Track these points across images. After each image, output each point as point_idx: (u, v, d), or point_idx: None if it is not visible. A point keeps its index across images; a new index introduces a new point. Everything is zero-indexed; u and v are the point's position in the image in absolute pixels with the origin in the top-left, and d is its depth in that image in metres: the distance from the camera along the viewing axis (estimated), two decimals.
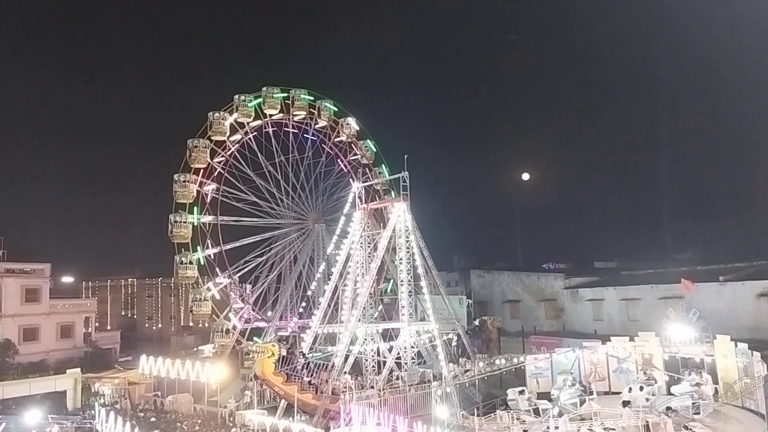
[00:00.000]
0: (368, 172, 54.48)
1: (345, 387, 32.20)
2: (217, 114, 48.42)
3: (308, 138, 54.11)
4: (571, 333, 47.65)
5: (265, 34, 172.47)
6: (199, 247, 46.37)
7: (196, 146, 47.15)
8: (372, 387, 33.17)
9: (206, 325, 52.27)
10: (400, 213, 38.46)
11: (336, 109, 54.24)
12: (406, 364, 37.06)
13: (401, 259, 37.96)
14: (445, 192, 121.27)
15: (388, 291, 49.66)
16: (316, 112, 53.43)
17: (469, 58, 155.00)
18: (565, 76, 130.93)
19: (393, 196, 50.23)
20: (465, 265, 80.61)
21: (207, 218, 47.08)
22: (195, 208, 46.62)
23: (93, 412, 37.50)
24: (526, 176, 69.86)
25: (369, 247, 40.83)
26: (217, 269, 47.41)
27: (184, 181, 46.29)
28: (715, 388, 30.82)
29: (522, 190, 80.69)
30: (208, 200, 47.58)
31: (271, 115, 51.34)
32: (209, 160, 47.73)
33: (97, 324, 66.84)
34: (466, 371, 36.51)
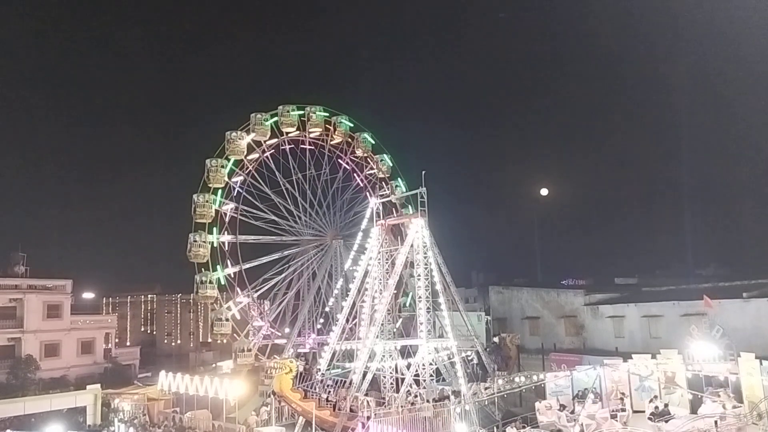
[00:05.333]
0: (384, 185, 54.72)
1: (363, 404, 32.02)
2: (234, 133, 48.83)
3: (324, 154, 54.59)
4: (591, 350, 47.02)
5: (281, 53, 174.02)
6: (218, 267, 46.61)
7: (214, 166, 47.55)
8: (390, 404, 32.95)
9: (225, 341, 52.52)
10: (417, 229, 38.40)
11: (352, 125, 54.56)
12: (424, 381, 36.80)
13: (419, 275, 37.85)
14: (464, 207, 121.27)
15: (407, 305, 49.36)
16: (332, 128, 53.76)
17: (487, 73, 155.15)
18: (584, 91, 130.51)
19: (411, 211, 50.39)
20: (483, 281, 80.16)
21: (226, 238, 47.36)
22: (214, 228, 46.92)
23: (113, 428, 37.69)
24: (544, 191, 69.29)
25: (387, 262, 40.80)
26: (237, 288, 47.66)
27: (204, 201, 46.62)
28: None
29: (541, 206, 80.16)
30: (227, 220, 47.92)
31: (287, 133, 51.73)
32: (227, 179, 48.10)
33: (116, 340, 67.39)
34: (486, 389, 36.15)
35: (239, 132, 49.17)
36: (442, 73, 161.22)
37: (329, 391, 35.05)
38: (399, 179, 56.28)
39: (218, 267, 46.69)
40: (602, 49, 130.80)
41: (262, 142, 50.51)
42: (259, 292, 49.70)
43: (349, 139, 54.76)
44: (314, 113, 52.89)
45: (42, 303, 54.95)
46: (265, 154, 50.75)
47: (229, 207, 48.14)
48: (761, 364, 30.01)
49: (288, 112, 51.54)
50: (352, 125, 54.66)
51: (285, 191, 51.50)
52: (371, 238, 41.76)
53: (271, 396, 37.98)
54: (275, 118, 51.01)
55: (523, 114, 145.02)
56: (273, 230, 50.45)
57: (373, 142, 55.68)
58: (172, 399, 43.22)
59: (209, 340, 79.45)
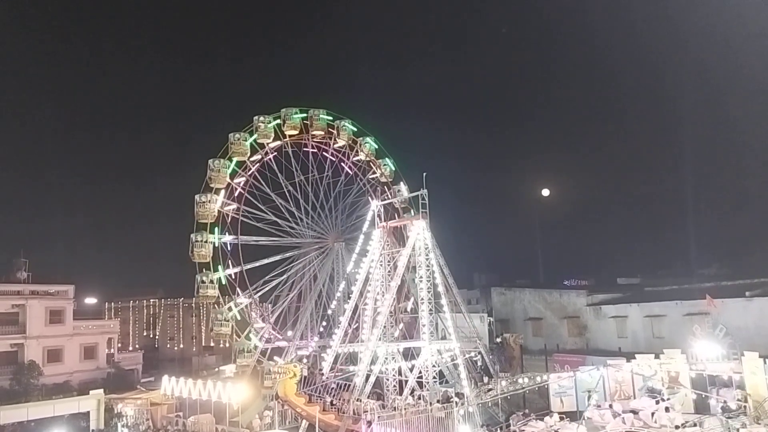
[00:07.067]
0: (387, 190, 54.62)
1: (367, 407, 31.96)
2: (237, 135, 48.86)
3: (327, 157, 54.48)
4: (594, 351, 46.96)
5: (285, 58, 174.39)
6: (220, 267, 46.52)
7: (217, 166, 47.57)
8: (394, 407, 32.90)
9: (227, 345, 52.39)
10: (419, 231, 38.40)
11: (355, 129, 54.59)
12: (427, 383, 36.75)
13: (421, 277, 37.81)
14: (465, 209, 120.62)
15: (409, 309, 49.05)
16: (335, 131, 53.77)
17: (489, 75, 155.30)
18: (585, 91, 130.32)
19: (413, 214, 50.29)
20: (486, 282, 80.00)
21: (228, 238, 47.37)
22: (216, 228, 46.93)
23: None
24: (546, 192, 69.34)
25: (389, 265, 40.77)
26: (238, 289, 47.54)
27: (205, 201, 46.68)
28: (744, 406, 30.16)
29: (542, 206, 79.90)
30: (229, 220, 47.89)
31: (291, 136, 51.72)
32: (229, 180, 48.17)
33: (119, 345, 67.38)
34: (489, 390, 36.09)
35: (242, 133, 49.20)
36: (445, 76, 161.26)
37: (333, 395, 35.01)
38: (401, 183, 56.16)
39: (219, 267, 46.51)
40: (604, 49, 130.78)
41: (265, 144, 50.53)
42: (260, 293, 49.52)
43: (352, 143, 54.72)
44: (317, 117, 52.89)
45: (44, 308, 54.87)
46: (267, 156, 50.65)
47: (231, 207, 48.10)
48: (765, 362, 30.00)
49: (291, 115, 51.59)
50: (355, 129, 54.58)
51: (287, 193, 51.46)
52: (373, 240, 41.74)
53: (275, 400, 38.00)
54: (278, 120, 51.02)
55: (525, 115, 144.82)
56: (275, 232, 50.42)
57: (376, 146, 55.62)
58: (175, 403, 43.23)
59: (212, 344, 79.60)
